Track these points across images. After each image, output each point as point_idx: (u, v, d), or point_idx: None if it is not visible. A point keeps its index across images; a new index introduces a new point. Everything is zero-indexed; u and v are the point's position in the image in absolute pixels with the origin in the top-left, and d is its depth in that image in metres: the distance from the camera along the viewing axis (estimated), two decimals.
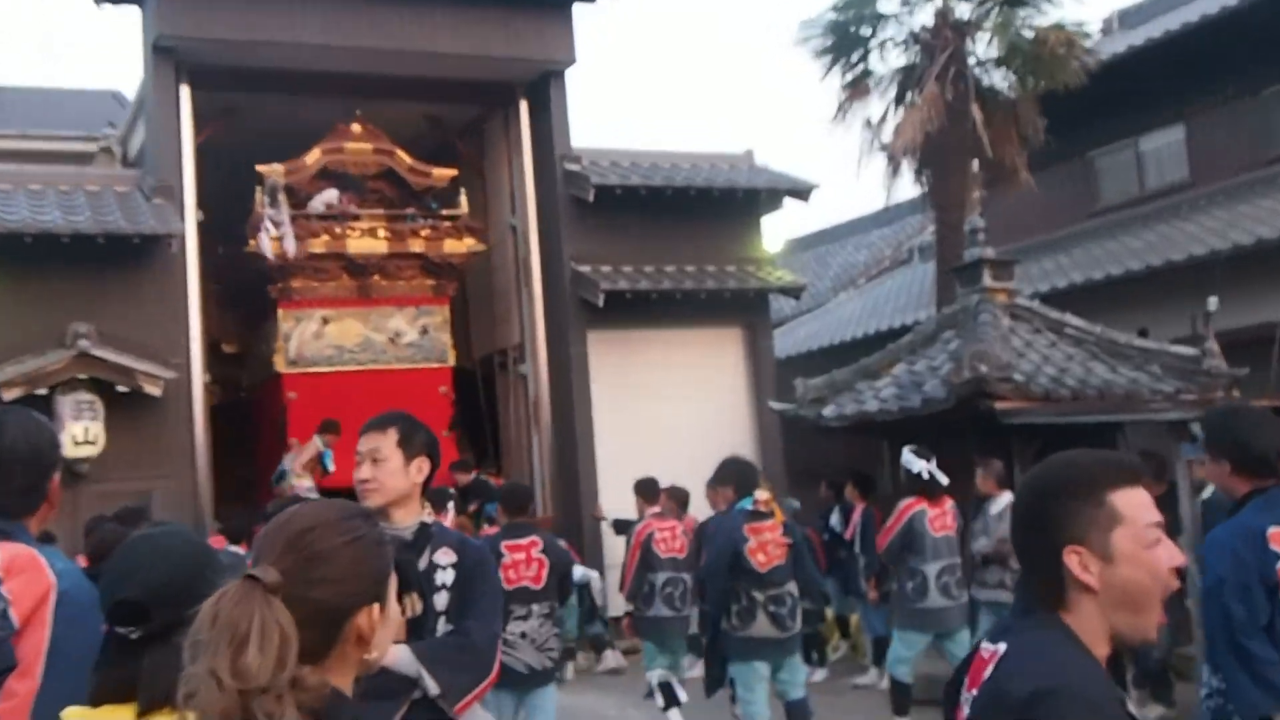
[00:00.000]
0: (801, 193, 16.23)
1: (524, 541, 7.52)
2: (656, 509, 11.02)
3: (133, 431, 12.82)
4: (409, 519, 3.76)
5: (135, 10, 14.33)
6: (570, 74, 15.68)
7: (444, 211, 16.20)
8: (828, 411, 11.64)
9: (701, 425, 15.25)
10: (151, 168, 14.11)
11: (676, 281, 15.13)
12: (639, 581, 10.52)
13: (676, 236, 15.60)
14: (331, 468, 13.78)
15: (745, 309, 15.75)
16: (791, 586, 7.93)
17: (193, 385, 13.43)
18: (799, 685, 8.19)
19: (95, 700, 2.21)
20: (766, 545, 7.87)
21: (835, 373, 12.16)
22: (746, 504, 7.96)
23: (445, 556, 3.70)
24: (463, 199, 16.28)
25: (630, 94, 66.45)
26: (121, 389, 12.49)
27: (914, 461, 9.40)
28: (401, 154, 16.20)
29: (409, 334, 16.09)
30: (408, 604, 3.50)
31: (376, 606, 1.85)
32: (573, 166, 15.36)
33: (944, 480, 9.26)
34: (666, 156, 16.46)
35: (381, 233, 15.86)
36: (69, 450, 12.20)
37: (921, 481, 9.37)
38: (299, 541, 1.81)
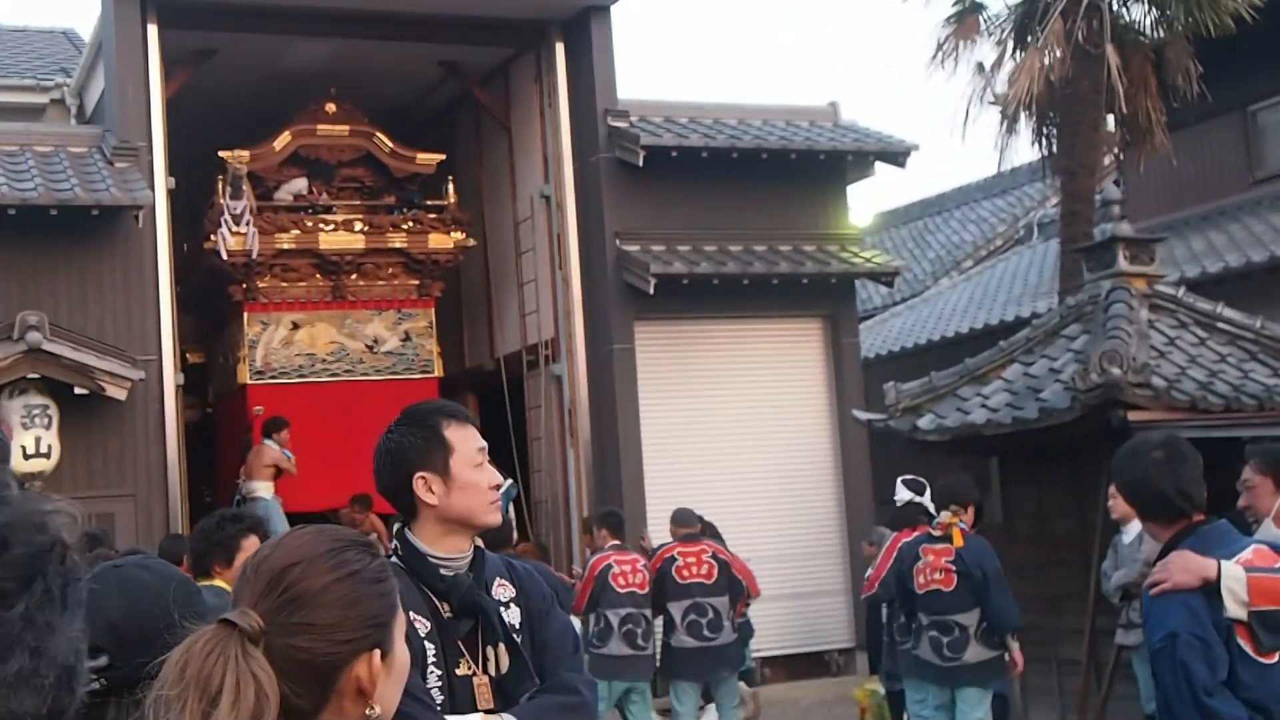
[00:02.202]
0: (896, 155, 16.35)
1: None
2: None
3: (91, 442, 13.19)
4: (467, 543, 3.54)
5: None
6: (615, 10, 15.88)
7: (429, 202, 16.73)
8: (924, 423, 11.79)
9: (771, 436, 15.39)
10: (113, 125, 14.46)
11: (743, 263, 15.29)
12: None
13: (743, 208, 15.75)
14: (294, 469, 14.51)
15: (826, 297, 15.88)
16: (963, 618, 9.21)
17: (164, 387, 13.79)
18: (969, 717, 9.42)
19: None
20: (928, 568, 9.34)
21: (934, 375, 12.32)
22: (932, 524, 9.55)
23: (503, 590, 3.59)
24: (450, 187, 16.82)
25: (687, 36, 66.54)
26: (79, 391, 12.83)
27: (901, 491, 10.78)
28: (381, 136, 16.70)
29: (389, 341, 16.64)
30: (494, 659, 3.42)
31: (377, 653, 1.90)
32: (618, 122, 15.55)
33: (931, 510, 10.14)
34: (732, 110, 16.62)
35: (358, 226, 16.41)
36: (17, 464, 12.56)
37: (901, 510, 10.74)
38: (280, 580, 1.86)
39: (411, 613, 3.05)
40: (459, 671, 3.31)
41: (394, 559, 3.24)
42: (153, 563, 2.57)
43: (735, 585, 11.20)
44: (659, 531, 13.93)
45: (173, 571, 2.53)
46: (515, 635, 3.48)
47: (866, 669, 14.54)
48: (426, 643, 3.30)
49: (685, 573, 11.10)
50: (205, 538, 6.06)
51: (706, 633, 10.97)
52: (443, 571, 3.40)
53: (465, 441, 3.50)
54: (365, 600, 1.92)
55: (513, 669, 3.42)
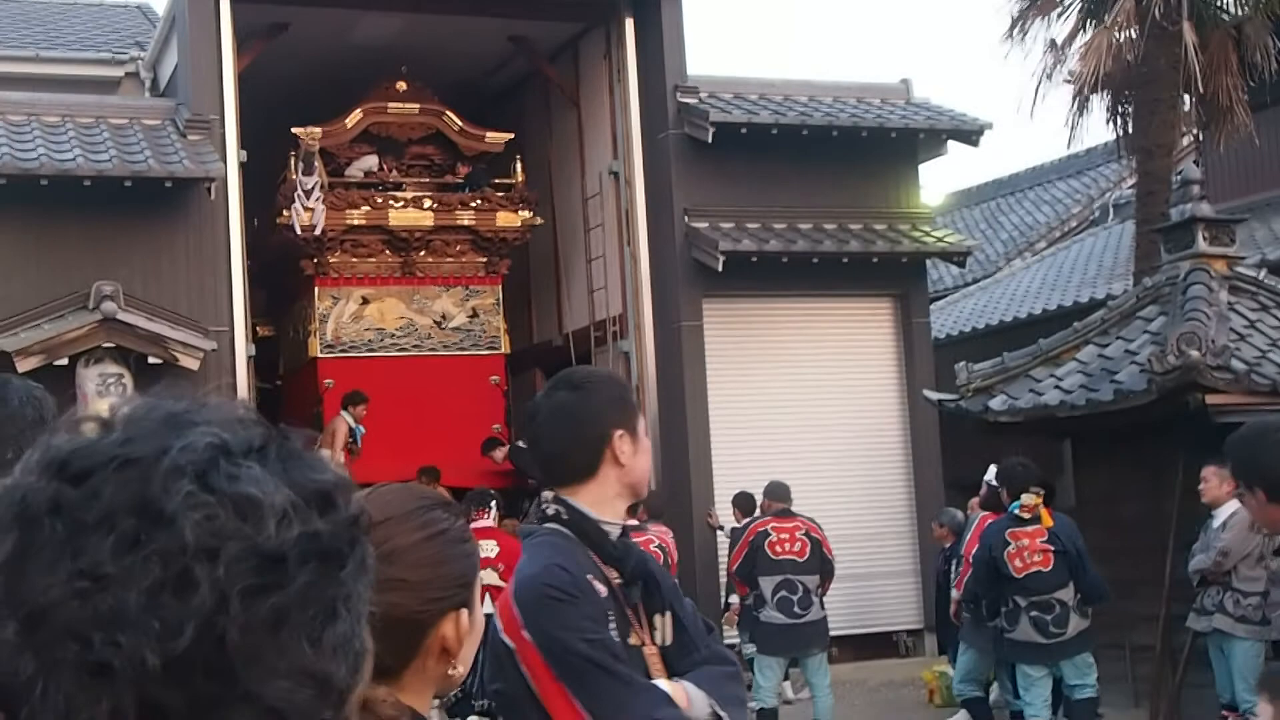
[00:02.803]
0: (969, 134, 16.25)
1: None
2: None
3: None
4: (624, 511, 3.43)
5: None
6: None
7: (497, 180, 16.89)
8: (996, 404, 11.73)
9: (840, 417, 15.37)
10: (186, 98, 14.61)
11: (813, 241, 15.26)
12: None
13: (814, 186, 15.71)
14: (360, 445, 14.56)
15: (897, 276, 15.84)
16: (1062, 594, 9.65)
17: (236, 358, 13.94)
18: (1086, 687, 9.86)
19: None
20: (1024, 551, 9.65)
21: (1007, 356, 12.24)
22: (1014, 508, 9.80)
23: None
24: (518, 166, 16.97)
25: (758, 12, 66.33)
26: (153, 360, 12.99)
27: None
28: (451, 115, 16.86)
29: (457, 317, 16.88)
30: (661, 629, 3.32)
31: (465, 613, 1.92)
32: (688, 99, 15.54)
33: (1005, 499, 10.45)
34: (802, 87, 16.60)
35: (427, 204, 16.63)
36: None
37: (994, 498, 10.87)
38: (372, 534, 1.92)
39: (589, 576, 3.06)
40: (630, 641, 3.20)
41: (551, 524, 3.16)
42: None
43: (826, 564, 11.40)
44: (726, 510, 14.00)
45: None
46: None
47: (935, 650, 14.55)
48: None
49: (778, 549, 11.29)
50: None
51: (796, 609, 11.13)
52: (613, 537, 3.25)
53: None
54: (453, 560, 1.93)
55: (677, 640, 3.33)
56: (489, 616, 8.67)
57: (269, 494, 0.93)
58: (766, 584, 11.23)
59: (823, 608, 11.42)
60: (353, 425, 15.06)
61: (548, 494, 3.22)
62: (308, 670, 0.95)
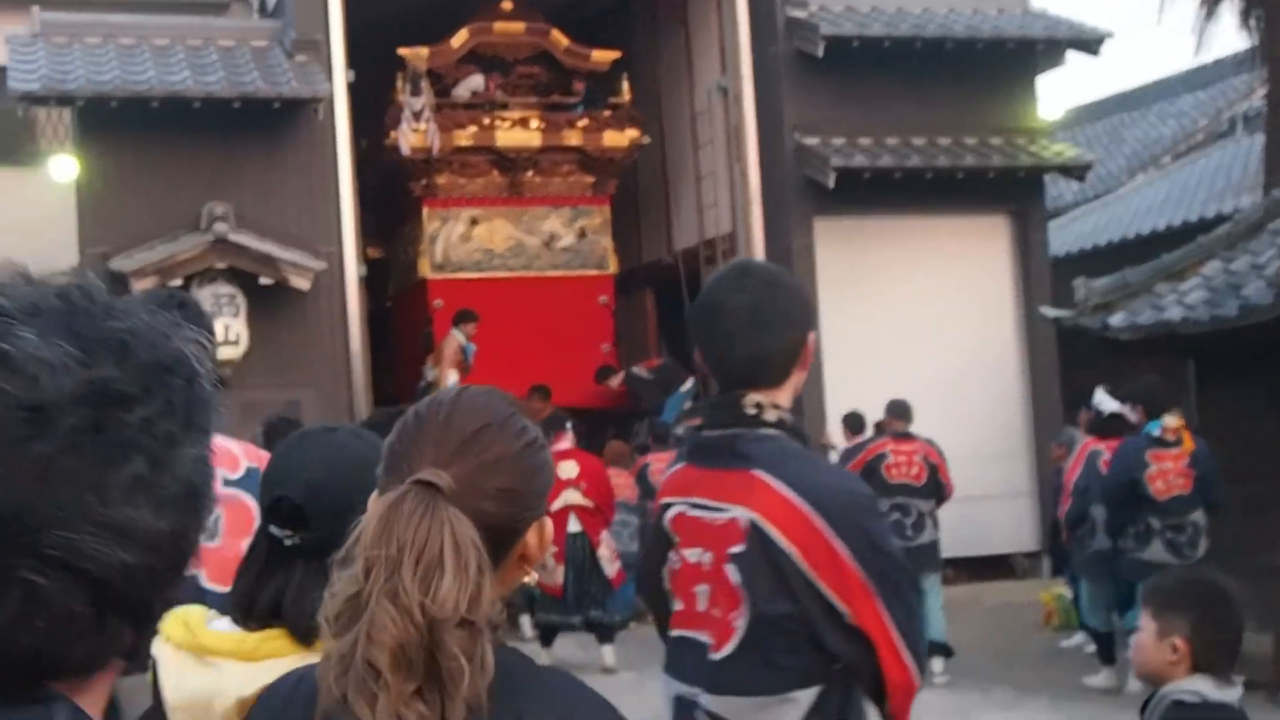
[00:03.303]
0: (1089, 44, 15.81)
1: None
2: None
3: (277, 332, 13.48)
4: None
5: None
6: None
7: (610, 99, 16.79)
8: (1116, 320, 11.43)
9: (954, 336, 15.14)
10: (292, 19, 14.62)
11: (927, 157, 14.99)
12: None
13: (927, 101, 15.40)
14: (471, 362, 14.57)
15: (1013, 192, 15.51)
16: (1196, 516, 9.68)
17: (345, 278, 14.01)
18: None
19: (240, 609, 2.35)
20: (1167, 474, 9.67)
21: (1128, 271, 11.93)
22: (1153, 428, 9.75)
23: None
24: (625, 85, 16.79)
25: None
26: (264, 281, 13.10)
27: (1106, 401, 10.93)
28: (557, 34, 16.72)
29: (565, 237, 16.85)
30: None
31: (548, 521, 1.90)
32: (797, 13, 15.29)
33: (1133, 419, 10.45)
34: None
35: (534, 123, 16.57)
36: None
37: (1104, 422, 10.79)
38: (474, 443, 1.80)
39: None
40: None
41: (773, 430, 2.99)
42: (366, 433, 2.55)
43: (940, 490, 11.31)
44: (839, 431, 13.87)
45: (375, 441, 2.38)
46: None
47: (1052, 572, 14.36)
48: None
49: (894, 472, 11.19)
50: (376, 429, 6.12)
51: (909, 532, 11.00)
52: None
53: None
54: (545, 468, 1.90)
55: None
56: (576, 535, 8.65)
57: (34, 349, 0.95)
58: (880, 506, 11.18)
59: (936, 530, 11.28)
60: (463, 343, 15.10)
61: (755, 396, 3.00)
62: (95, 519, 0.95)
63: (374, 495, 1.79)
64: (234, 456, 3.58)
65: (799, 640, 2.89)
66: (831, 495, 2.93)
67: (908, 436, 11.44)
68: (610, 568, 11.80)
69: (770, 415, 3.01)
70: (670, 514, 3.12)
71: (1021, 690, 10.39)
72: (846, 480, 3.10)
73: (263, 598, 2.33)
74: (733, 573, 2.93)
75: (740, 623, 2.94)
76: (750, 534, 2.89)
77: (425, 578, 1.65)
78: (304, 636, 2.23)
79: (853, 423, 13.00)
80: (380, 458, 2.33)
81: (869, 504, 3.04)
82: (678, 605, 3.10)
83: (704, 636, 3.00)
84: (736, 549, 2.92)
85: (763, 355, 3.01)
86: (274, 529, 2.36)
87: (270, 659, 2.22)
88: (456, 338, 15.11)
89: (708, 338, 3.12)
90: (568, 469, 11.35)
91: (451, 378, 14.47)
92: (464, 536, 1.69)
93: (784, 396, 3.05)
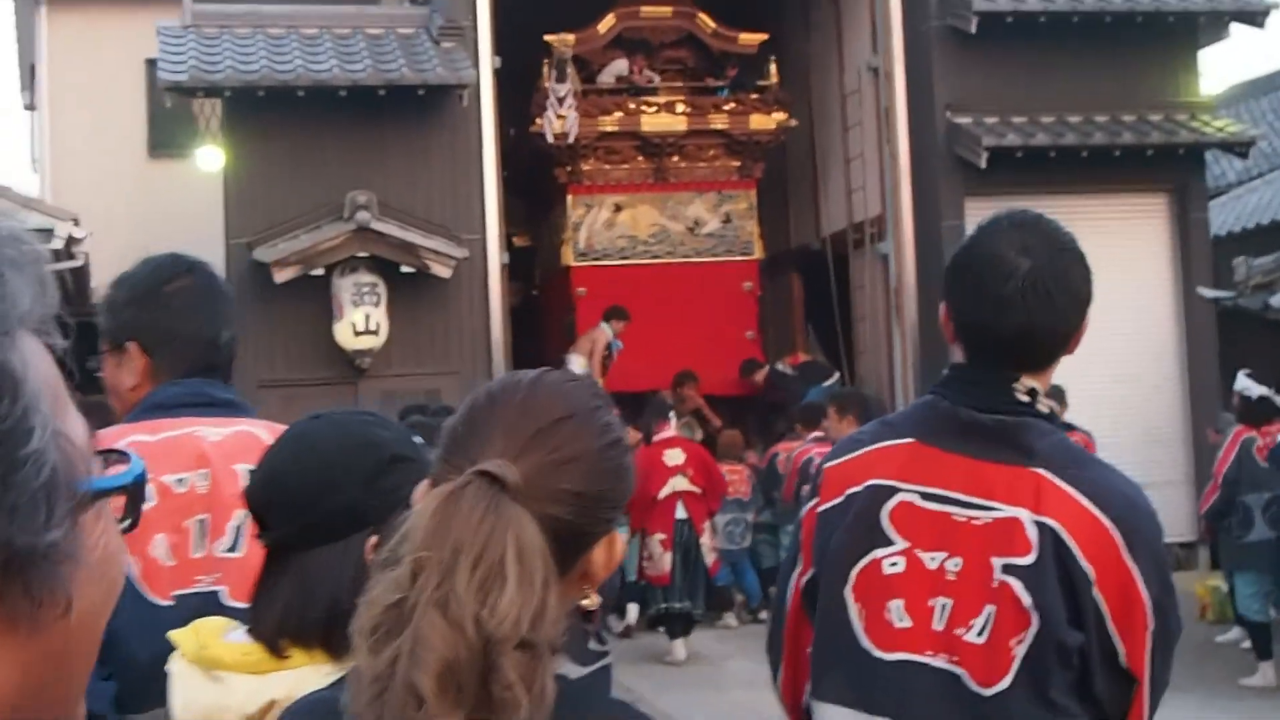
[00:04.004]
0: (1253, 16, 15.19)
1: None
2: None
3: (418, 319, 13.49)
4: None
5: None
6: None
7: (757, 82, 16.50)
8: (1277, 300, 10.94)
9: (1110, 319, 14.36)
10: (440, 5, 14.62)
11: (1082, 135, 14.50)
12: None
13: (1084, 76, 14.90)
14: (614, 359, 14.52)
15: (1173, 169, 14.92)
16: None
17: (488, 266, 13.97)
18: None
19: (248, 618, 2.14)
20: None
21: None
22: None
23: None
24: (772, 67, 16.50)
25: None
26: (406, 269, 13.11)
27: (1251, 387, 10.44)
28: (704, 17, 16.48)
29: (710, 223, 16.61)
30: None
31: (620, 535, 1.67)
32: None
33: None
34: None
35: (680, 108, 16.35)
36: (347, 341, 12.98)
37: (1253, 406, 10.36)
38: (552, 434, 1.56)
39: None
40: None
41: (1032, 418, 2.54)
42: (352, 421, 2.29)
43: None
44: None
45: (367, 434, 2.21)
46: None
47: (1209, 563, 13.82)
48: None
49: None
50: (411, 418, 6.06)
51: None
52: None
53: None
54: (626, 474, 1.65)
55: None
56: (683, 522, 8.38)
57: None
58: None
59: None
60: (610, 339, 14.99)
61: (1028, 381, 2.54)
62: None
63: (423, 485, 1.57)
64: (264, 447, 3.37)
65: (1076, 678, 2.44)
66: (1131, 512, 2.48)
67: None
68: (709, 556, 11.59)
69: (1043, 406, 2.55)
70: (891, 503, 2.54)
71: (1172, 688, 9.92)
72: (1142, 497, 2.55)
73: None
74: (1020, 589, 2.40)
75: (1021, 650, 2.41)
76: (1043, 543, 2.40)
77: (483, 587, 1.42)
78: (272, 647, 2.04)
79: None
80: (351, 444, 2.11)
81: (1161, 528, 2.57)
82: (898, 620, 2.50)
83: (950, 664, 2.44)
84: (1020, 560, 2.41)
85: (1041, 333, 2.54)
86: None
87: (276, 671, 2.04)
88: (605, 332, 14.99)
89: (973, 299, 2.57)
90: (674, 456, 11.24)
91: (576, 363, 14.38)
92: (531, 542, 1.46)
93: (1047, 383, 2.59)
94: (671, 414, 11.60)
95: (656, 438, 11.54)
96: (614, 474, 1.61)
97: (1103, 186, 14.76)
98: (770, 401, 15.74)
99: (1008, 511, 2.43)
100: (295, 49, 13.68)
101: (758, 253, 16.74)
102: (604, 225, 16.40)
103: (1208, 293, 12.53)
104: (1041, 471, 2.46)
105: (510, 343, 14.45)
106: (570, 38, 15.61)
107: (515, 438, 1.55)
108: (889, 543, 2.52)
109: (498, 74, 14.52)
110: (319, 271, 12.93)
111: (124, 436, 2.67)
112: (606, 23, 16.33)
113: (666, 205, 16.54)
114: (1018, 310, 2.51)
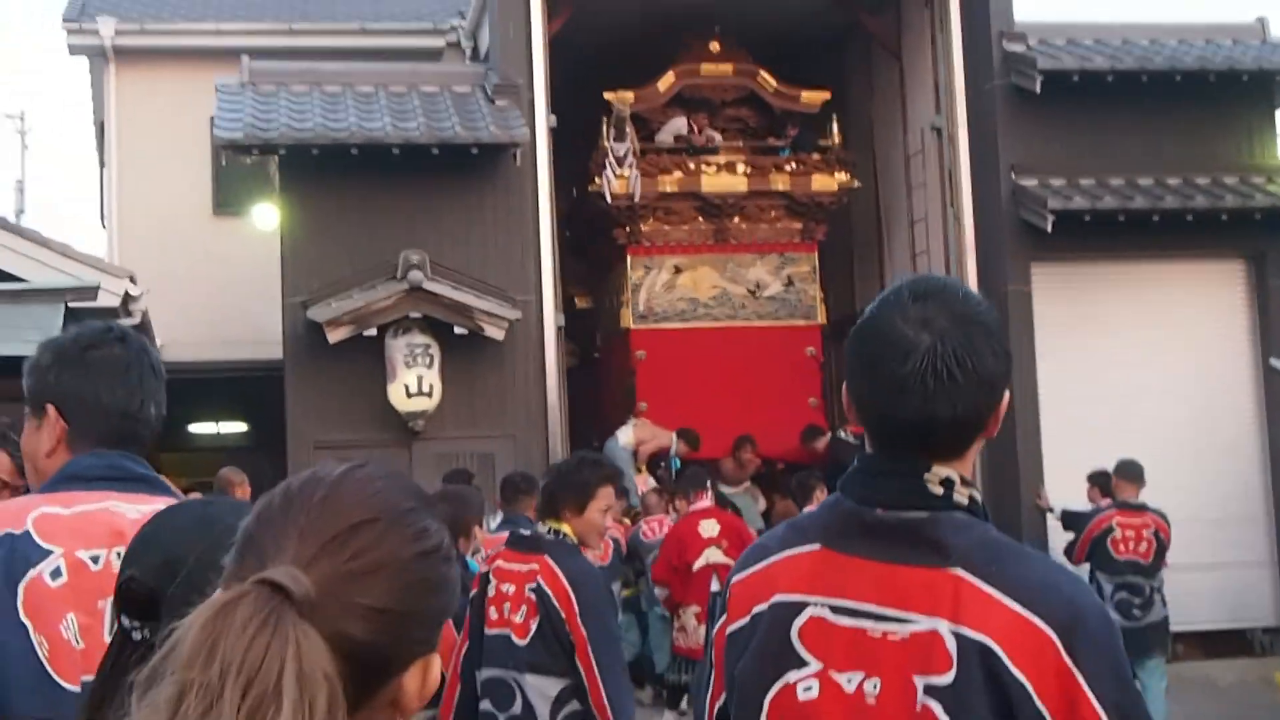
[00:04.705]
0: None
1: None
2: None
3: (473, 381, 13.29)
4: None
5: None
6: None
7: (820, 142, 16.31)
8: None
9: (1184, 390, 14.24)
10: (495, 63, 14.51)
11: (1152, 198, 14.11)
12: None
13: (1155, 137, 14.59)
14: (672, 477, 14.19)
15: (1249, 234, 14.46)
16: None
17: (544, 328, 13.74)
18: None
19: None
20: None
21: None
22: None
23: None
24: (834, 127, 16.32)
25: None
26: (459, 330, 12.91)
27: None
28: (766, 75, 16.33)
29: (772, 286, 16.35)
30: None
31: (435, 660, 1.43)
32: (1014, 46, 14.61)
33: None
34: (1144, 29, 15.42)
35: (740, 168, 16.13)
36: (400, 403, 12.78)
37: None
38: (352, 538, 1.37)
39: None
40: None
41: (963, 514, 2.23)
42: (224, 503, 2.12)
43: (1163, 561, 10.58)
44: (1059, 488, 13.10)
45: (234, 512, 1.90)
46: None
47: None
48: None
49: (1122, 548, 10.52)
50: (560, 477, 5.85)
51: (1136, 612, 10.36)
52: None
53: None
54: (445, 588, 1.43)
55: None
56: (717, 595, 7.91)
57: None
58: (1105, 583, 10.46)
59: (1165, 606, 10.47)
60: (673, 453, 14.71)
61: (942, 469, 2.23)
62: None
63: (217, 594, 1.34)
64: None
65: None
66: (1068, 608, 2.14)
67: (1139, 508, 10.67)
68: None
69: (961, 495, 2.23)
70: (800, 620, 2.26)
71: None
72: (1082, 590, 2.20)
73: (106, 709, 1.82)
74: (940, 712, 2.10)
75: None
76: (965, 657, 2.10)
77: (254, 715, 1.23)
78: None
79: (1103, 482, 11.85)
80: (210, 526, 1.86)
81: (1111, 623, 2.20)
82: None
83: None
84: (940, 679, 2.10)
85: (944, 419, 2.21)
86: (123, 618, 1.88)
87: None
88: (671, 441, 14.71)
89: (869, 381, 2.27)
90: (708, 527, 11.07)
91: (623, 435, 14.27)
92: (312, 664, 1.26)
93: (968, 468, 2.27)
94: (708, 483, 11.34)
95: (692, 508, 11.36)
96: (428, 588, 1.40)
97: (1175, 252, 14.39)
98: (831, 469, 15.40)
99: (924, 623, 2.14)
100: (350, 106, 13.58)
101: (820, 317, 16.41)
102: (664, 287, 16.16)
103: (1278, 363, 12.07)
104: (960, 573, 2.15)
105: (567, 406, 14.23)
106: (629, 95, 15.48)
107: (309, 542, 1.36)
108: (802, 664, 2.24)
109: (554, 132, 14.34)
110: (372, 332, 12.74)
111: (35, 508, 2.58)
112: (666, 80, 16.17)
113: (727, 267, 16.28)
114: (915, 394, 2.20)
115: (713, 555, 10.96)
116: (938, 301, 2.26)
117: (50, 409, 2.76)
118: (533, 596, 5.51)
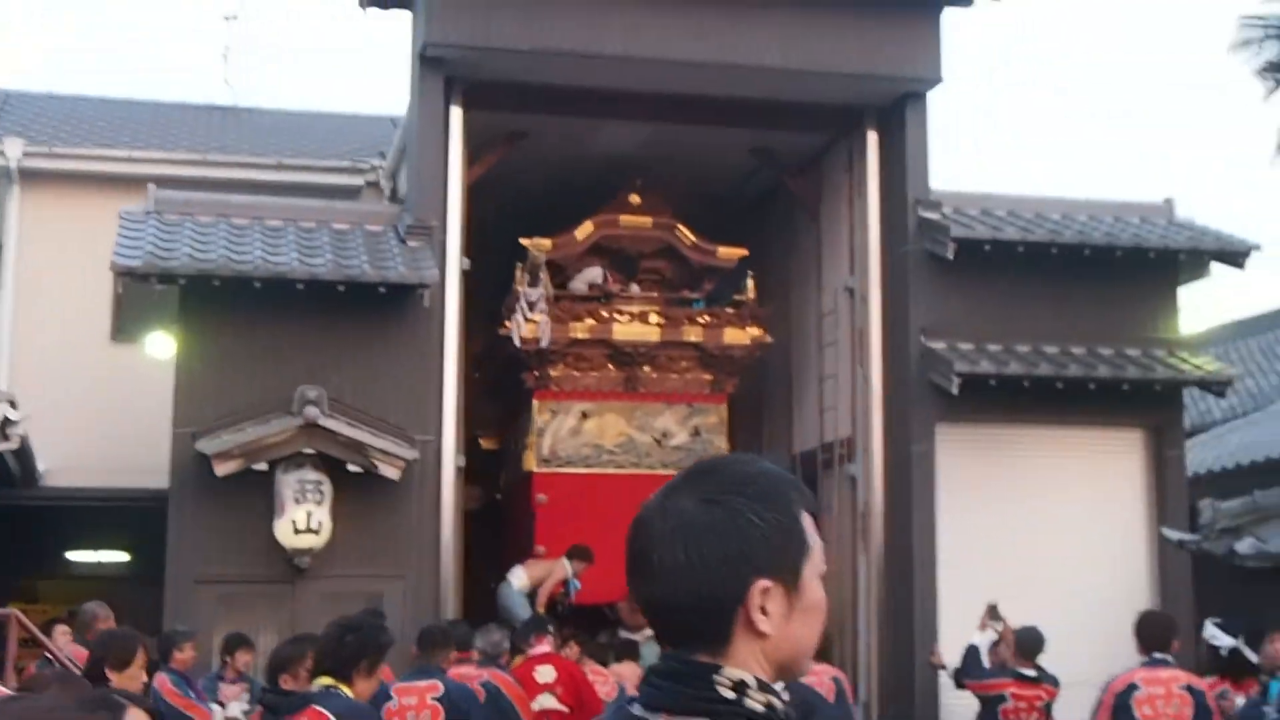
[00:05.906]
0: (1234, 255, 15.07)
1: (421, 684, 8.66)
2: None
3: (364, 520, 13.11)
4: None
5: (408, 17, 14.86)
6: (932, 97, 15.18)
7: (734, 296, 16.55)
8: (1243, 546, 10.62)
9: (1081, 556, 14.35)
10: (411, 204, 14.53)
11: (1057, 366, 14.30)
12: None
13: (1062, 308, 14.85)
14: (571, 599, 14.25)
15: (1149, 406, 14.70)
16: None
17: (443, 468, 13.61)
18: None
19: None
20: None
21: (1259, 494, 11.06)
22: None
23: None
24: (749, 283, 16.54)
25: (1000, 123, 64.66)
26: (353, 468, 12.75)
27: (1219, 636, 9.97)
28: (684, 230, 16.61)
29: (678, 435, 16.41)
30: None
31: None
32: (929, 213, 14.84)
33: (1253, 658, 9.47)
34: (1056, 204, 15.73)
35: (654, 318, 16.31)
36: (287, 539, 12.58)
37: (1225, 659, 9.87)
38: None
39: None
40: None
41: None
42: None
43: None
44: (954, 646, 13.01)
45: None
46: None
47: None
48: None
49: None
50: (354, 629, 6.06)
51: None
52: None
53: (818, 543, 2.12)
54: None
55: None
56: None
57: None
58: None
59: None
60: (570, 577, 14.62)
61: (734, 671, 2.02)
62: None
63: None
64: None
65: None
66: None
67: (1034, 680, 10.59)
68: None
69: (756, 701, 1.99)
70: None
71: None
72: None
73: None
74: None
75: None
76: None
77: None
78: None
79: (1028, 647, 11.32)
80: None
81: None
82: None
83: None
84: None
85: (686, 606, 2.02)
86: None
87: None
88: (565, 569, 14.63)
89: (627, 565, 2.11)
90: (545, 673, 10.80)
91: (516, 578, 14.20)
92: None
93: (766, 670, 2.04)
94: (549, 629, 11.16)
95: (531, 652, 11.10)
96: None
97: (1077, 419, 14.57)
98: None
99: None
100: (257, 239, 13.54)
101: None
102: (569, 432, 16.14)
103: (1172, 534, 12.19)
104: None
105: (463, 548, 14.08)
106: (546, 242, 15.56)
107: None
108: None
109: (469, 274, 14.39)
110: (262, 466, 12.56)
111: None
112: (584, 230, 16.32)
113: (635, 415, 16.30)
114: (651, 579, 2.05)
115: (545, 701, 10.73)
116: (696, 480, 2.16)
117: None
118: None
